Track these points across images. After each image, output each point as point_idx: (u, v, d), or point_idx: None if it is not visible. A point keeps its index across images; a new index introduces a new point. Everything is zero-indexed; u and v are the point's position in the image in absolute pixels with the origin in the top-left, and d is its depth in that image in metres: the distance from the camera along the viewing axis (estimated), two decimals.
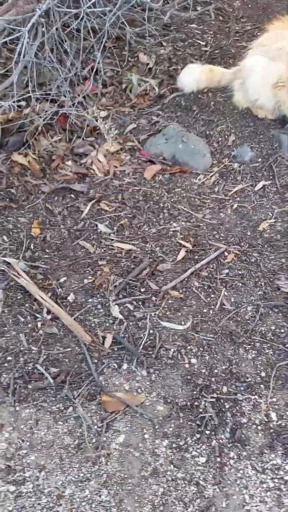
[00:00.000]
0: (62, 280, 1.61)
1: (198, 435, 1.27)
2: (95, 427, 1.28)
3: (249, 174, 1.94)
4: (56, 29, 1.89)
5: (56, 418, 1.30)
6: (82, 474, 1.21)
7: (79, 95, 2.01)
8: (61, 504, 1.17)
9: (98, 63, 2.05)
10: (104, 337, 1.46)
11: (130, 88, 2.22)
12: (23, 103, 1.95)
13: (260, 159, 1.98)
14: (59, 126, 2.02)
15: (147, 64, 2.32)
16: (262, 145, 2.01)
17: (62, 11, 1.94)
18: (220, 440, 1.26)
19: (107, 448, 1.25)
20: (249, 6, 2.68)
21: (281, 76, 1.96)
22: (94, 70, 2.11)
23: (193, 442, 1.26)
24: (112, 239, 1.73)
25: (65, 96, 1.93)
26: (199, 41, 2.47)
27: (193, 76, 2.16)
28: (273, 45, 2.01)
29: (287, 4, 2.64)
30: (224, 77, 2.18)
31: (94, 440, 1.26)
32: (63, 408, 1.32)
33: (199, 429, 1.28)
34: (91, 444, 1.25)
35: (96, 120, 2.00)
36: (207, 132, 2.08)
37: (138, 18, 2.31)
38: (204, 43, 2.46)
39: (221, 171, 1.97)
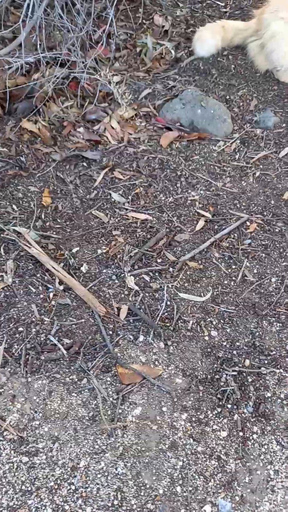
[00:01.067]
0: (74, 250, 1.54)
1: (219, 409, 1.21)
2: (111, 399, 1.23)
3: (272, 140, 1.83)
4: None
5: (70, 389, 1.25)
6: (97, 446, 1.17)
7: (90, 58, 1.89)
8: (75, 476, 1.13)
9: (111, 25, 1.93)
10: (119, 308, 1.39)
11: (145, 52, 2.10)
12: (32, 67, 1.84)
13: (284, 125, 1.86)
14: (71, 92, 1.92)
15: (163, 26, 2.19)
16: (287, 110, 1.88)
17: None
18: (243, 414, 1.20)
19: (123, 420, 1.20)
20: None
21: None
22: (107, 33, 1.99)
23: (213, 416, 1.20)
24: (126, 209, 1.65)
25: (76, 58, 1.82)
26: (218, 2, 2.31)
27: (207, 45, 2.02)
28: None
29: None
30: (236, 35, 2.03)
31: (109, 412, 1.21)
32: (77, 379, 1.27)
33: (220, 403, 1.22)
34: (106, 416, 1.20)
35: (110, 84, 1.88)
36: (227, 97, 1.96)
37: None
38: (223, 4, 2.31)
39: (243, 137, 1.85)
